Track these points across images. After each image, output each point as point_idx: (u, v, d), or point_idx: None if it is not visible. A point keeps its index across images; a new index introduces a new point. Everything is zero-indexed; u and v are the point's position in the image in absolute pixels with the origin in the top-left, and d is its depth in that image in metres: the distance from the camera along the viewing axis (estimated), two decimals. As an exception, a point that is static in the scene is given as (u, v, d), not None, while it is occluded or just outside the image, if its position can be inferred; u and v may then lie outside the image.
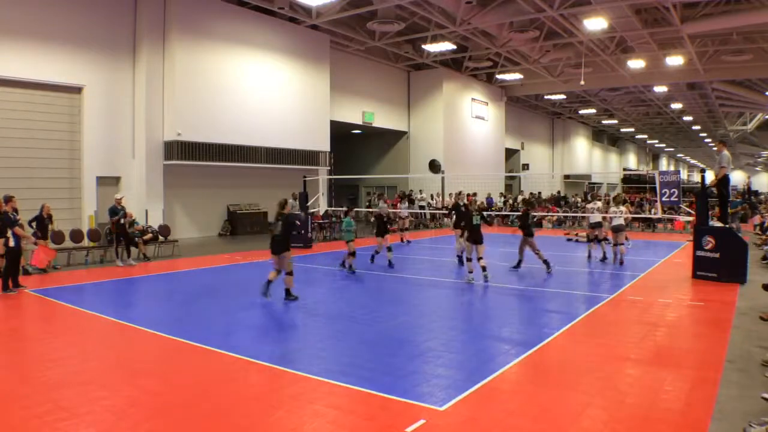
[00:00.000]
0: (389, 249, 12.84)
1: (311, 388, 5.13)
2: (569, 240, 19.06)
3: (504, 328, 7.48)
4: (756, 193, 45.97)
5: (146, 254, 13.95)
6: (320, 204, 19.52)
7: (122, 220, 12.95)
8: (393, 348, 6.44)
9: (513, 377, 5.56)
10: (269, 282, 8.87)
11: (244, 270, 12.67)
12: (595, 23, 19.17)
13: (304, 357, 6.15)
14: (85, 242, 13.95)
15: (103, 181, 16.34)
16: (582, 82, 25.57)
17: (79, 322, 7.77)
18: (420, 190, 26.20)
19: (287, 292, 8.97)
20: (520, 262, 12.32)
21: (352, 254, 11.97)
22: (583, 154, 48.94)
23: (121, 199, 13.41)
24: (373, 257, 13.09)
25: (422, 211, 23.67)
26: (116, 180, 17.03)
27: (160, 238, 15.10)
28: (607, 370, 5.70)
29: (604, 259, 13.53)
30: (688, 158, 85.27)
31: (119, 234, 12.95)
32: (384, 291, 10.37)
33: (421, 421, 4.37)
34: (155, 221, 16.44)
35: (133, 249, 13.61)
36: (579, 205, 27.68)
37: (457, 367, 5.80)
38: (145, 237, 14.29)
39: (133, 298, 9.88)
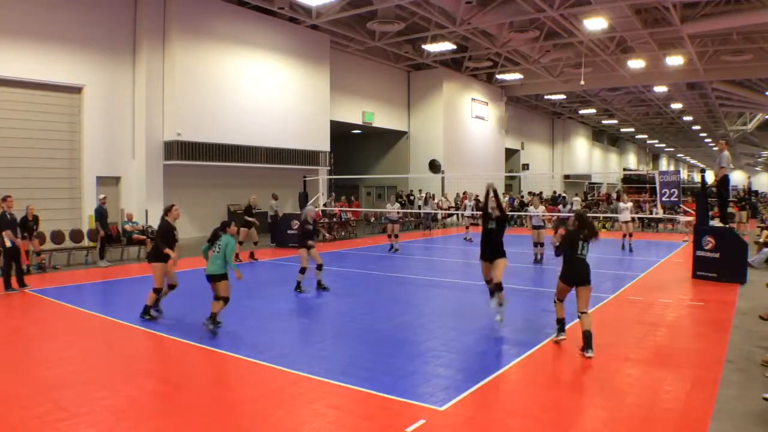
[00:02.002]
0: (319, 267, 9.98)
1: (311, 388, 5.13)
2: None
3: (504, 328, 7.47)
4: (756, 193, 45.99)
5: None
6: (320, 204, 19.51)
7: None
8: (393, 348, 6.44)
9: (513, 377, 5.56)
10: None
11: (243, 269, 12.63)
12: (595, 23, 19.16)
13: (304, 357, 6.15)
14: (85, 242, 13.95)
15: (103, 181, 16.32)
16: (582, 82, 25.56)
17: (80, 322, 7.77)
18: (420, 190, 26.21)
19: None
20: None
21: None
22: (583, 154, 48.93)
23: (104, 198, 13.44)
24: (298, 285, 9.88)
25: (422, 211, 23.66)
26: (116, 180, 17.02)
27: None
28: (607, 370, 5.70)
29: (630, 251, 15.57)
30: (688, 158, 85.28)
31: (105, 234, 13.03)
32: (384, 291, 10.37)
33: (421, 421, 4.37)
34: (155, 221, 16.41)
35: (119, 250, 13.61)
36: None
37: (457, 367, 5.80)
38: (139, 237, 14.21)
39: (133, 297, 9.87)
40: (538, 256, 13.54)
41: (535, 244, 13.64)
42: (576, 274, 6.39)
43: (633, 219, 16.78)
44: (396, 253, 15.57)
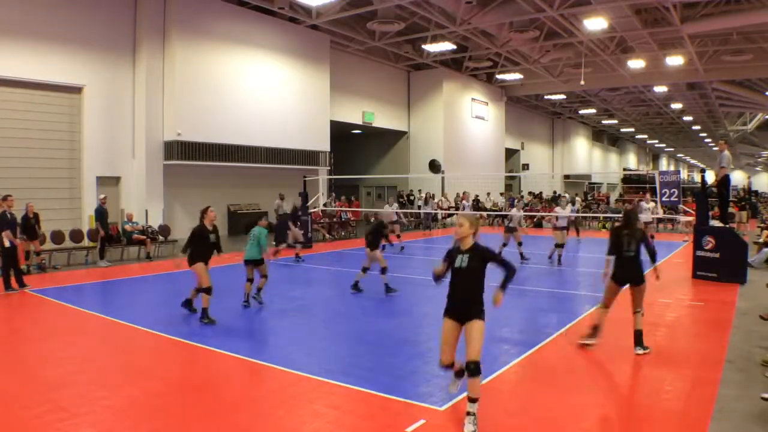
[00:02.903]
0: (383, 271, 9.54)
1: (311, 388, 5.13)
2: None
3: (504, 328, 7.47)
4: (756, 193, 46.00)
5: (149, 253, 13.94)
6: (320, 203, 19.53)
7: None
8: (393, 348, 6.44)
9: (513, 377, 5.56)
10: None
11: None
12: (595, 23, 19.16)
13: (304, 357, 6.15)
14: (85, 242, 13.95)
15: (103, 181, 16.33)
16: (582, 82, 25.56)
17: (79, 322, 7.77)
18: (419, 190, 26.21)
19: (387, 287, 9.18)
20: None
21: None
22: (583, 154, 48.93)
23: (104, 198, 13.46)
24: (356, 284, 9.85)
25: (422, 211, 23.66)
26: (116, 180, 17.03)
27: (160, 238, 15.09)
28: (607, 370, 5.70)
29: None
30: (688, 158, 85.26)
31: (105, 234, 13.04)
32: (383, 291, 10.35)
33: (421, 421, 4.37)
34: (155, 221, 16.44)
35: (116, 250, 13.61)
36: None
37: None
38: (139, 238, 14.20)
39: (133, 298, 9.88)
40: (556, 257, 13.13)
41: (558, 246, 13.09)
42: (626, 272, 6.14)
43: (653, 220, 14.91)
44: (401, 252, 15.97)
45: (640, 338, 6.08)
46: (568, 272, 12.26)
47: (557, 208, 14.26)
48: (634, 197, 37.27)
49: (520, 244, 13.57)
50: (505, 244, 13.04)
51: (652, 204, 16.14)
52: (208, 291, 7.68)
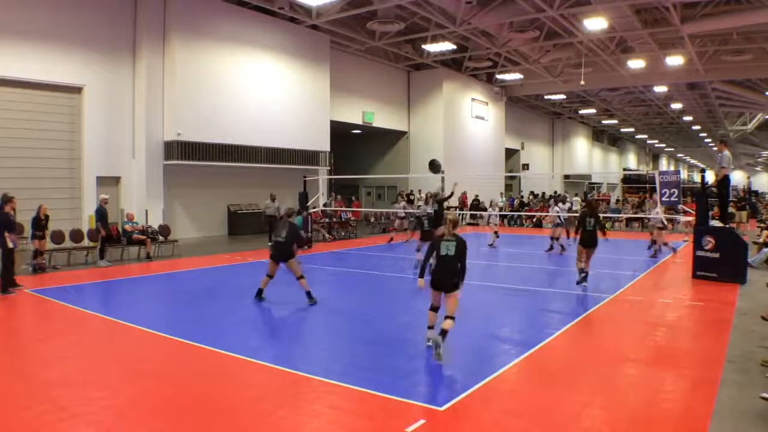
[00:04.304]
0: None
1: (311, 388, 5.13)
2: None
3: (504, 328, 7.47)
4: (756, 193, 45.99)
5: (149, 253, 13.94)
6: (320, 203, 19.53)
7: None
8: (393, 348, 6.44)
9: (513, 377, 5.55)
10: (261, 290, 8.91)
11: (243, 270, 12.66)
12: (595, 23, 19.16)
13: (304, 357, 6.14)
14: (85, 242, 13.95)
15: (103, 181, 16.34)
16: (582, 82, 25.55)
17: (79, 322, 7.77)
18: (419, 190, 26.19)
19: (308, 294, 8.76)
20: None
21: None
22: (583, 154, 48.93)
23: (106, 199, 13.45)
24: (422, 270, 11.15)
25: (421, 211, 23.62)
26: (116, 180, 17.03)
27: (160, 238, 15.08)
28: (607, 370, 5.70)
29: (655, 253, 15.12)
30: (688, 158, 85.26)
31: (106, 234, 13.04)
32: (384, 291, 10.37)
33: (421, 421, 4.37)
34: (155, 221, 16.44)
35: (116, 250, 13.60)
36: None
37: (457, 367, 5.80)
38: (139, 238, 14.17)
39: (133, 298, 9.87)
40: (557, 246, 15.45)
41: (553, 239, 15.72)
42: (587, 240, 9.86)
43: (663, 224, 14.60)
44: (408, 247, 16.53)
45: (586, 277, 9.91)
46: (567, 272, 12.26)
47: (555, 208, 16.32)
48: (633, 197, 37.32)
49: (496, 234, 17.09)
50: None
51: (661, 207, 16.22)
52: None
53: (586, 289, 9.79)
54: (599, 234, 9.93)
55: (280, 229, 8.79)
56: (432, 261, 6.18)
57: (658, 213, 14.53)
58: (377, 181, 30.14)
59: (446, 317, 5.91)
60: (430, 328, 6.19)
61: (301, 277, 8.71)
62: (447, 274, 5.96)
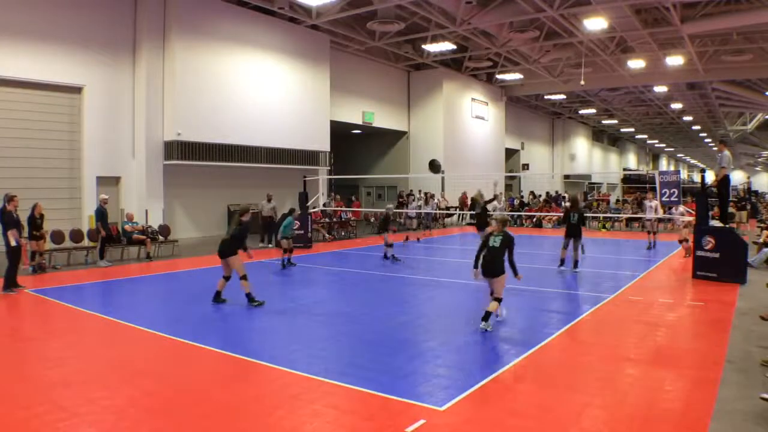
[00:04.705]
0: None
1: (311, 388, 5.13)
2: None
3: (504, 328, 7.47)
4: (756, 193, 45.99)
5: (149, 253, 13.94)
6: (320, 203, 19.54)
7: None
8: (393, 348, 6.44)
9: (513, 377, 5.55)
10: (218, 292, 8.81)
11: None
12: (595, 23, 19.17)
13: (304, 357, 6.15)
14: (85, 242, 13.95)
15: (103, 181, 16.34)
16: (582, 82, 25.56)
17: (79, 322, 7.77)
18: (420, 190, 26.21)
19: (248, 296, 8.58)
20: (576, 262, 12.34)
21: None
22: (583, 154, 48.95)
23: (106, 199, 13.45)
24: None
25: (422, 211, 23.64)
26: (116, 180, 17.03)
27: (160, 238, 15.08)
28: (607, 370, 5.70)
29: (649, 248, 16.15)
30: (688, 158, 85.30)
31: (106, 234, 13.04)
32: (384, 291, 10.37)
33: (421, 421, 4.37)
34: (155, 221, 16.44)
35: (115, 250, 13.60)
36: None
37: (457, 367, 5.80)
38: (139, 238, 14.17)
39: (133, 298, 9.88)
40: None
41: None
42: (572, 231, 11.88)
43: (659, 219, 16.39)
44: (417, 244, 16.99)
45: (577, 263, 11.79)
46: (567, 272, 12.26)
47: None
48: (629, 196, 37.28)
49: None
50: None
51: (655, 203, 16.38)
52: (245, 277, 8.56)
53: (575, 274, 11.58)
54: (583, 229, 12.18)
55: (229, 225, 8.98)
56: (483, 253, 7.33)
57: (652, 210, 15.31)
58: (377, 181, 30.15)
59: (493, 299, 7.16)
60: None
61: (244, 277, 8.57)
62: (493, 262, 7.16)
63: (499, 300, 7.14)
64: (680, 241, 15.04)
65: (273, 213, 17.07)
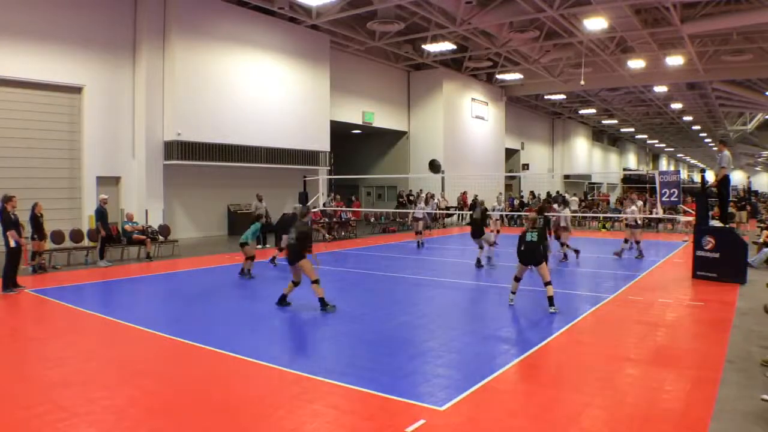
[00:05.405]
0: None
1: (311, 388, 5.13)
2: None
3: (504, 328, 7.47)
4: (756, 193, 46.00)
5: (149, 253, 13.94)
6: (319, 203, 19.52)
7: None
8: (393, 348, 6.44)
9: (513, 377, 5.55)
10: (284, 296, 8.55)
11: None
12: (595, 23, 19.16)
13: (304, 357, 6.14)
14: (85, 242, 13.95)
15: (103, 181, 16.34)
16: (582, 82, 25.55)
17: (79, 322, 7.77)
18: (420, 190, 26.20)
19: (321, 301, 8.30)
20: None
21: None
22: (583, 154, 48.94)
23: (105, 199, 13.44)
24: (490, 259, 13.95)
25: (422, 211, 23.60)
26: (116, 180, 17.03)
27: (160, 238, 15.08)
28: (607, 370, 5.70)
29: (639, 256, 14.53)
30: (688, 158, 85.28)
31: (106, 234, 13.05)
32: (384, 291, 10.37)
33: (421, 421, 4.37)
34: (155, 221, 16.44)
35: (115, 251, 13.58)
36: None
37: (457, 367, 5.80)
38: (139, 238, 14.16)
39: (133, 298, 9.88)
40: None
41: (626, 240, 14.68)
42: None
43: (636, 222, 14.56)
44: (422, 248, 16.77)
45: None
46: (567, 272, 12.27)
47: (628, 209, 15.29)
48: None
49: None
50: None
51: (639, 203, 16.70)
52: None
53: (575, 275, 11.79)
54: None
55: (291, 230, 8.35)
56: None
57: (633, 211, 14.65)
58: (377, 181, 30.14)
59: (546, 284, 8.24)
60: (513, 293, 8.61)
61: (316, 281, 8.23)
62: (531, 253, 8.25)
63: (549, 283, 8.17)
64: (625, 240, 14.66)
65: (265, 213, 16.82)
